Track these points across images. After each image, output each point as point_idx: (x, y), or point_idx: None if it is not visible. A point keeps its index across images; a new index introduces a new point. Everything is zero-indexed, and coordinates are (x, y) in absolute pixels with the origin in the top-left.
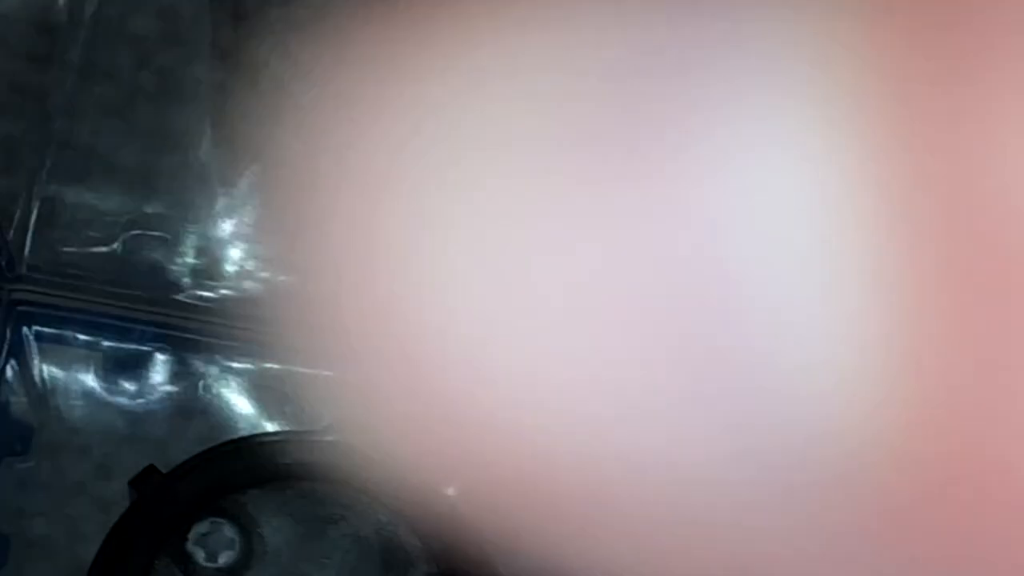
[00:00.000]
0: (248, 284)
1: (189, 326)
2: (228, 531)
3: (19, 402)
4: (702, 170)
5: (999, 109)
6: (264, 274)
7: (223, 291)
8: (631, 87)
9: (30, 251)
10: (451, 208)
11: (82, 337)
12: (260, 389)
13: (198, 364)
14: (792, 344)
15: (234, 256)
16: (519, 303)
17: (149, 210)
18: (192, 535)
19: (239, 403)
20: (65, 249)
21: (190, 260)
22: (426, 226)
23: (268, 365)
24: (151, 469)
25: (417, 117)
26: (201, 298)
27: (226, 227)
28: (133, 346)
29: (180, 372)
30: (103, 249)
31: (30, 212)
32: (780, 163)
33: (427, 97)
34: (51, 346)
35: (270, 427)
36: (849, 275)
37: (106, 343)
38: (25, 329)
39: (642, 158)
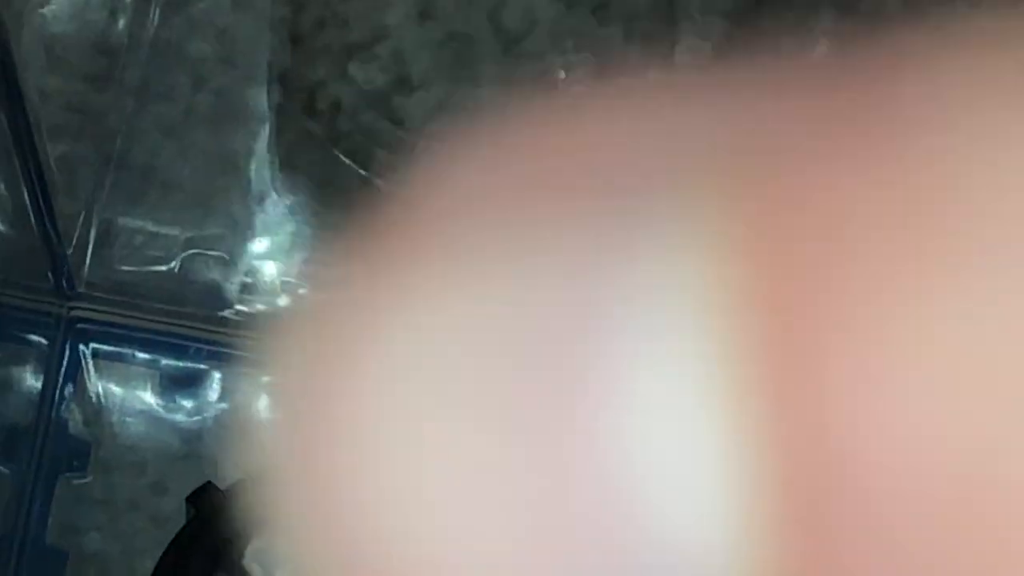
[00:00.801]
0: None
1: (245, 344)
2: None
3: (76, 420)
4: (601, 409)
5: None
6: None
7: (279, 311)
8: (540, 342)
9: (89, 270)
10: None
11: (139, 355)
12: None
13: (252, 382)
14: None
15: (290, 274)
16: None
17: (206, 230)
18: (249, 551)
19: None
20: (123, 268)
21: (247, 279)
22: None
23: None
24: (208, 485)
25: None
26: (256, 317)
27: (282, 246)
28: (189, 364)
29: (235, 390)
30: (161, 268)
31: (89, 231)
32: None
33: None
34: (108, 363)
35: None
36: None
37: (163, 361)
38: (83, 347)
39: (554, 405)
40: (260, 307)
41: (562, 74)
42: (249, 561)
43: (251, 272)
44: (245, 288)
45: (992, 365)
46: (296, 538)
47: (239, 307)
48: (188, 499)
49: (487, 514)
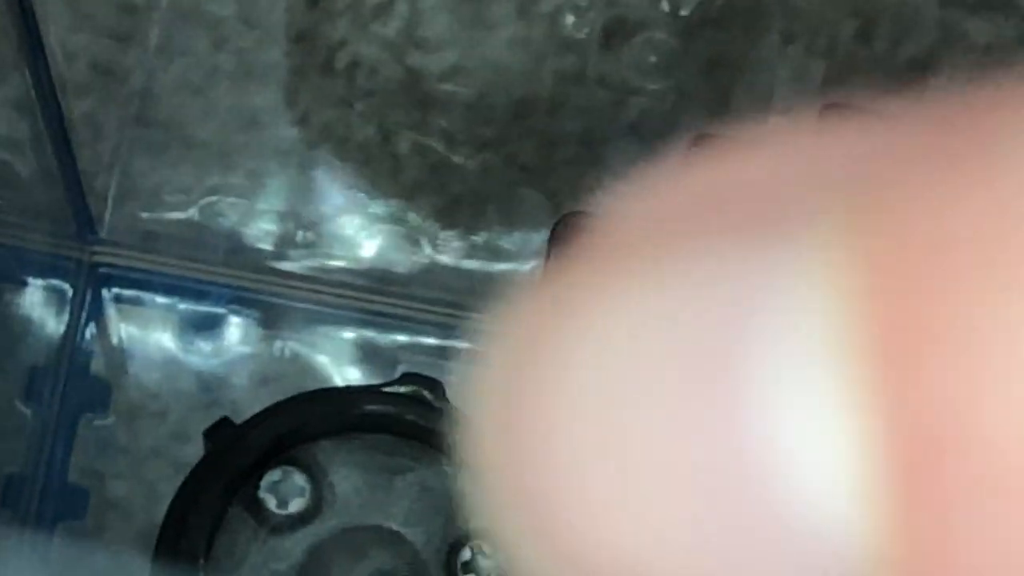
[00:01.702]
0: (322, 250)
1: (265, 289)
2: (299, 479)
3: (98, 362)
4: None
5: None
6: (337, 241)
7: (298, 256)
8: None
9: (111, 217)
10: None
11: (160, 299)
12: (332, 351)
13: (274, 327)
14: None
15: (307, 223)
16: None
17: (226, 180)
18: (264, 483)
19: (313, 365)
20: (144, 215)
21: (266, 227)
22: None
23: (341, 328)
24: (225, 420)
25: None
26: (276, 262)
27: (302, 197)
28: (209, 308)
29: (256, 335)
30: (181, 215)
31: (111, 182)
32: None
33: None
34: (129, 307)
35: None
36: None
37: (183, 305)
38: (104, 291)
39: (710, 402)
40: (283, 256)
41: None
42: (264, 492)
43: (274, 219)
44: (267, 235)
45: None
46: (498, 522)
47: (261, 254)
48: (204, 433)
49: (656, 485)
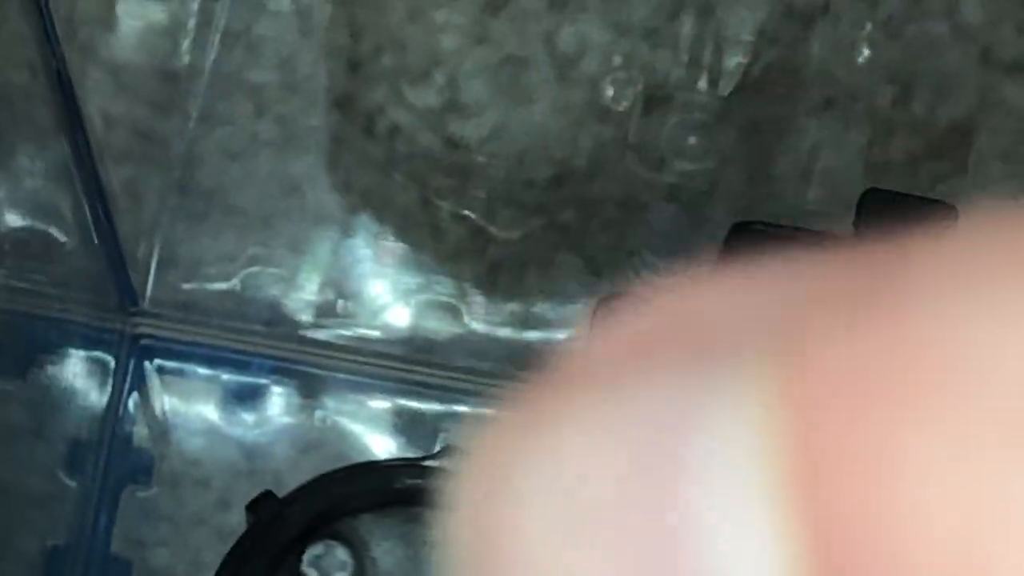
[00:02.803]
0: (363, 319)
1: (306, 360)
2: (341, 553)
3: (141, 433)
4: None
5: None
6: (377, 311)
7: (337, 326)
8: None
9: (152, 287)
10: None
11: (202, 370)
12: (373, 421)
13: (315, 397)
14: None
15: (348, 292)
16: None
17: (267, 249)
18: (307, 557)
19: (354, 435)
20: (185, 286)
21: (307, 296)
22: None
23: (381, 398)
24: (267, 494)
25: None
26: (316, 332)
27: (342, 266)
28: (251, 379)
29: (297, 405)
30: (222, 286)
31: (152, 251)
32: None
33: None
34: (172, 379)
35: (383, 456)
36: None
37: (225, 376)
38: (147, 363)
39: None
40: (325, 326)
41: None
42: (306, 567)
43: (316, 289)
44: (309, 305)
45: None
46: None
47: (303, 324)
48: (247, 507)
49: None
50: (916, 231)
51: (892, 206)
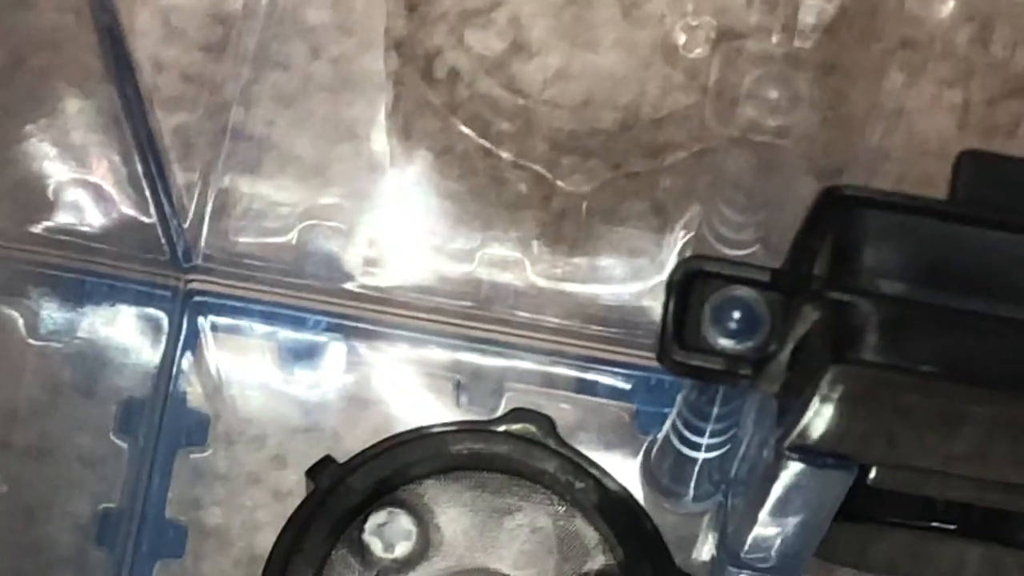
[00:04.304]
0: (422, 273)
1: (364, 316)
2: (405, 521)
3: (195, 393)
4: None
5: None
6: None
7: (397, 281)
8: None
9: (206, 242)
10: None
11: (257, 327)
12: (433, 378)
13: (372, 354)
14: None
15: (408, 246)
16: None
17: (323, 200)
18: (369, 525)
19: (413, 393)
20: (240, 239)
21: (364, 249)
22: None
23: (442, 354)
24: (328, 459)
25: None
26: (375, 288)
27: (400, 217)
28: (308, 336)
29: (354, 362)
30: (278, 240)
31: (205, 203)
32: None
33: None
34: (226, 336)
35: (444, 417)
36: None
37: (281, 333)
38: (201, 319)
39: None
40: (383, 280)
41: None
42: (369, 535)
43: (374, 243)
44: (367, 260)
45: None
46: None
47: (360, 279)
48: (308, 473)
49: None
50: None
51: (990, 169)
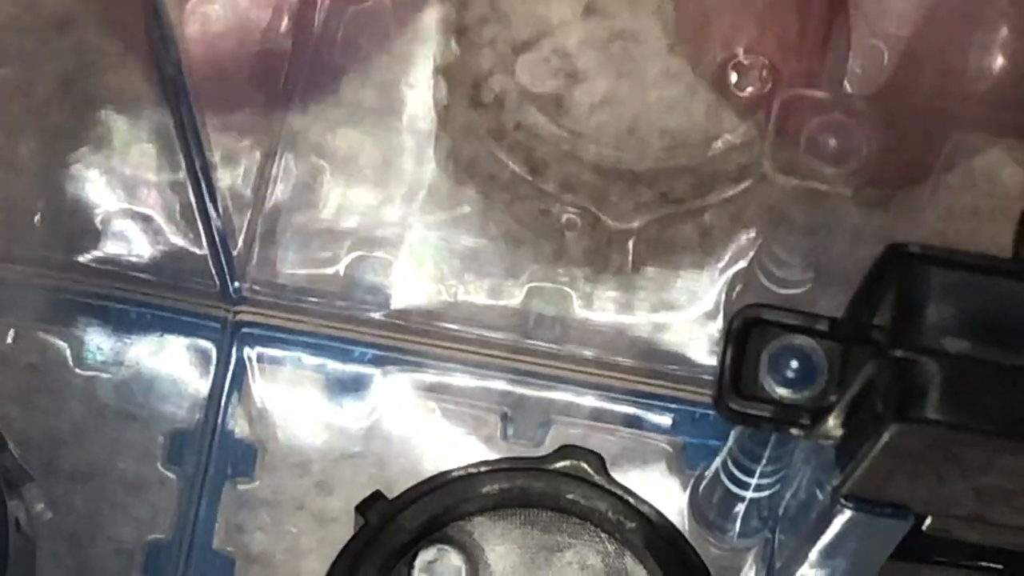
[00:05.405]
0: (468, 304)
1: (410, 347)
2: (454, 558)
3: (242, 424)
4: None
5: None
6: (484, 296)
7: (443, 312)
8: None
9: (254, 274)
10: None
11: (304, 358)
12: (479, 410)
13: (418, 386)
14: None
15: (454, 275)
16: None
17: (372, 231)
18: (419, 562)
19: (459, 425)
20: (288, 272)
21: (411, 280)
22: None
23: (488, 386)
24: (377, 494)
25: None
26: (422, 319)
27: (445, 245)
28: (355, 367)
29: (400, 393)
30: (326, 271)
31: (254, 234)
32: None
33: None
34: (273, 367)
35: (490, 450)
36: None
37: (329, 365)
38: (248, 350)
39: None
40: (428, 312)
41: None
42: (419, 572)
43: (415, 273)
44: (409, 290)
45: None
46: None
47: (403, 309)
48: (357, 508)
49: None
50: None
51: None
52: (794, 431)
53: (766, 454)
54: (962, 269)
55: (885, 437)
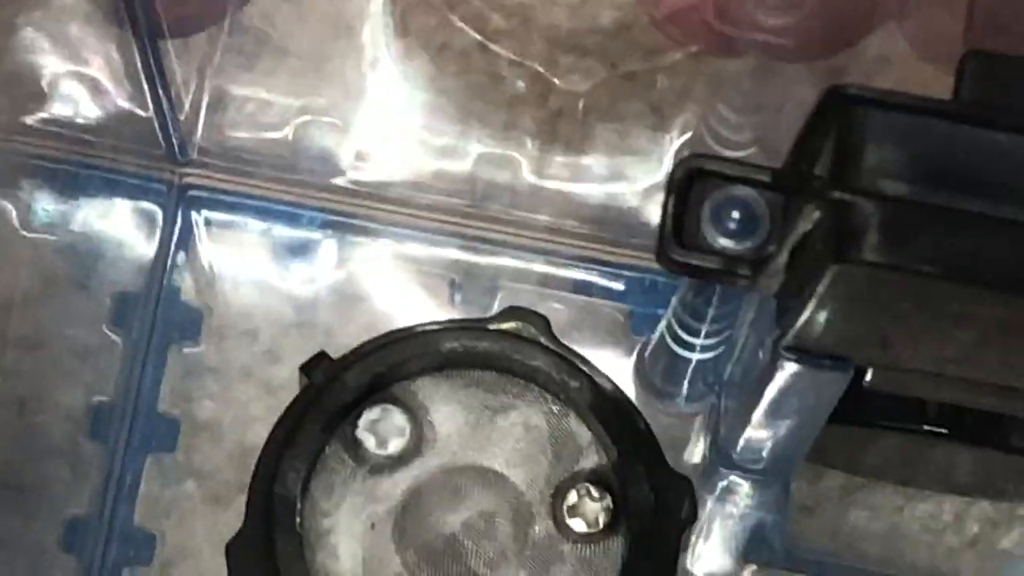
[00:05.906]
0: (418, 171)
1: (358, 212)
2: (398, 418)
3: (188, 287)
4: None
5: None
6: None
7: (393, 178)
8: None
9: (201, 137)
10: None
11: (251, 222)
12: (428, 276)
13: (367, 251)
14: None
15: (404, 143)
16: None
17: (319, 96)
18: (362, 421)
19: (407, 291)
20: (235, 135)
21: (360, 146)
22: None
23: (436, 252)
24: (322, 355)
25: None
26: (370, 184)
27: (396, 113)
28: (303, 232)
29: (349, 258)
30: (274, 135)
31: (201, 98)
32: None
33: None
34: (220, 231)
35: (438, 316)
36: None
37: (275, 229)
38: (195, 214)
39: None
40: (378, 176)
41: None
42: (362, 431)
43: (369, 139)
44: (361, 156)
45: None
46: None
47: (352, 174)
48: (302, 368)
49: None
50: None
51: (995, 70)
52: (737, 282)
53: (710, 312)
54: (902, 111)
55: (824, 280)
